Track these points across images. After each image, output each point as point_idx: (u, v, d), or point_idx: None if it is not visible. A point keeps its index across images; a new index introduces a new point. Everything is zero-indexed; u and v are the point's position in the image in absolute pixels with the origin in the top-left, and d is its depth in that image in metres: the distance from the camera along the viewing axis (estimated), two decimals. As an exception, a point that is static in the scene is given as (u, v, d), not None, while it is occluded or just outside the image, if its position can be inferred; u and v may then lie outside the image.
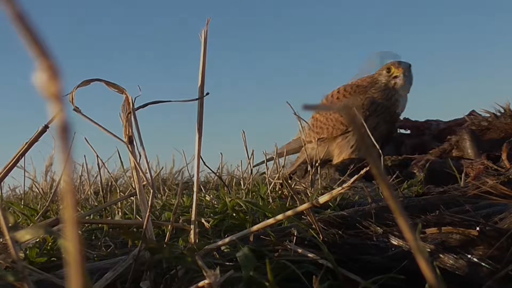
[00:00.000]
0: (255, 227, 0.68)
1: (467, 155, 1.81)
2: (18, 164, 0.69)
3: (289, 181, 1.95)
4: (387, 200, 0.28)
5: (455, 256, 0.58)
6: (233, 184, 2.02)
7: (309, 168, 1.81)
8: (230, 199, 1.20)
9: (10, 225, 0.49)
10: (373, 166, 0.27)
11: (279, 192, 1.47)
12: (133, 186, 0.82)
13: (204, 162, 1.53)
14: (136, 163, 0.72)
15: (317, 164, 1.70)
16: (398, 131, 2.73)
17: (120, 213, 1.37)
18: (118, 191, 1.66)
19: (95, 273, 0.65)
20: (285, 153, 1.99)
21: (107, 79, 0.71)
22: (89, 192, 1.99)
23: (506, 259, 0.54)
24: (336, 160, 2.55)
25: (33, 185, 2.34)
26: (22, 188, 2.03)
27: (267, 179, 1.53)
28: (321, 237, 0.71)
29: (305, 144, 2.17)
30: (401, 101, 2.52)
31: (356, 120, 0.27)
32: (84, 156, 1.68)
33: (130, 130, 0.72)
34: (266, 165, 1.94)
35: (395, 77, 2.47)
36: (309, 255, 0.64)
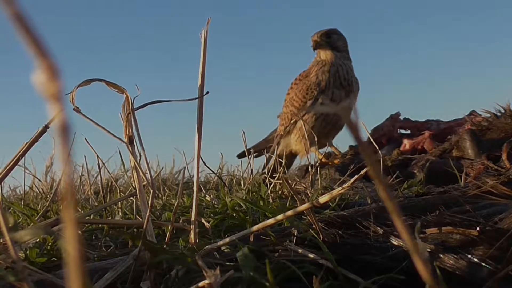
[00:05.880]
0: (255, 227, 0.68)
1: (467, 155, 1.80)
2: (18, 164, 0.69)
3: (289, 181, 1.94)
4: (384, 200, 0.28)
5: (455, 256, 0.57)
6: (233, 184, 2.02)
7: (309, 168, 1.81)
8: (230, 199, 1.19)
9: (10, 225, 0.49)
10: (370, 165, 0.27)
11: (279, 192, 1.47)
12: (133, 186, 0.82)
13: (204, 162, 1.53)
14: (136, 163, 0.72)
15: (317, 164, 1.70)
16: (398, 131, 2.73)
17: (120, 213, 1.37)
18: (118, 191, 1.66)
19: (95, 273, 0.65)
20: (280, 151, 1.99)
21: (107, 79, 0.71)
22: (89, 192, 1.99)
23: (506, 259, 0.54)
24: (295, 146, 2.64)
25: (33, 185, 2.34)
26: (23, 188, 2.03)
27: (267, 179, 1.53)
28: (321, 237, 0.71)
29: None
30: (338, 61, 2.57)
31: (351, 121, 0.27)
32: (84, 156, 1.68)
33: (130, 130, 0.72)
34: (266, 164, 1.94)
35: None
36: (310, 255, 0.64)
